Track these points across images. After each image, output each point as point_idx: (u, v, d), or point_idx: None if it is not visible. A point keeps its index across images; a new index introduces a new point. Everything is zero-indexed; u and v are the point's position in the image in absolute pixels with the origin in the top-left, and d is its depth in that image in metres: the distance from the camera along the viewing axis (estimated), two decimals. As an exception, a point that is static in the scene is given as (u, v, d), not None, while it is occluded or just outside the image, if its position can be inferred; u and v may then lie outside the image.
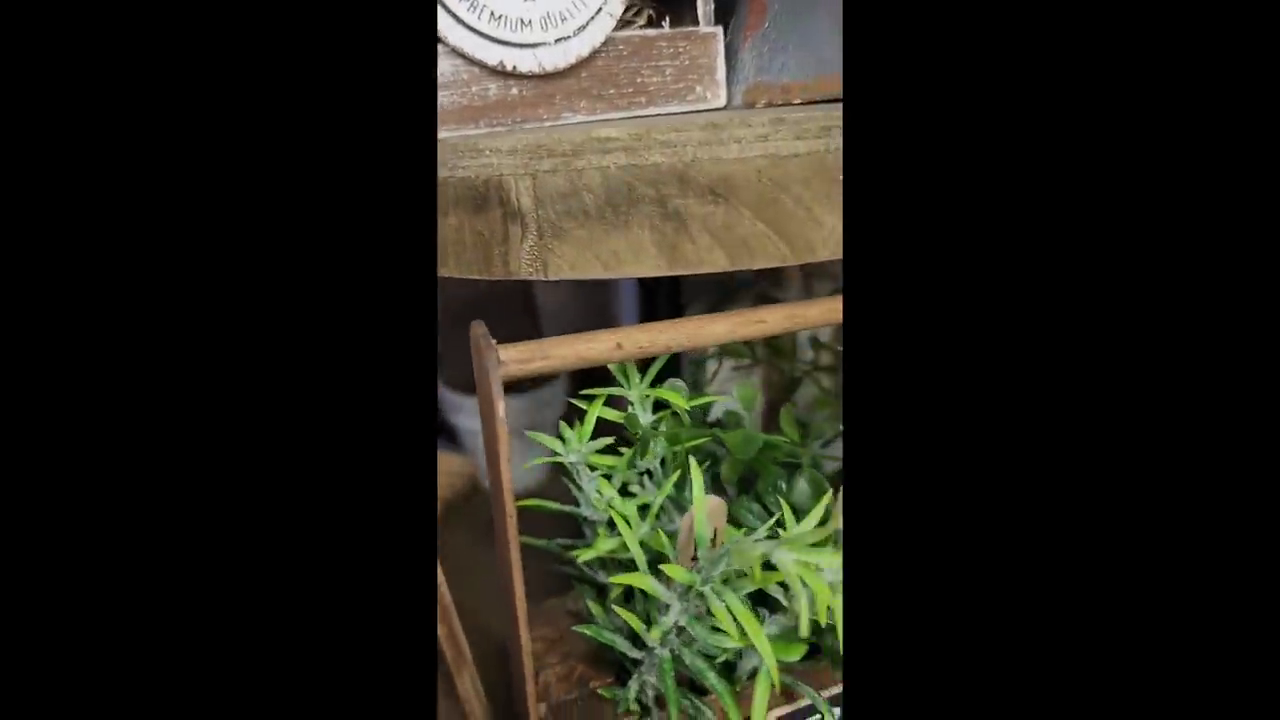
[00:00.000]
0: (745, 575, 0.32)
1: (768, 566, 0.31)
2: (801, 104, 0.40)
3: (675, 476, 0.37)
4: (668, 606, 0.33)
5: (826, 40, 0.40)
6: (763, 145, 0.31)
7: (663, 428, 0.38)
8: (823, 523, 0.33)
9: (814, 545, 0.31)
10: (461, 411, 0.71)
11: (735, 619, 0.30)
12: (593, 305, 0.73)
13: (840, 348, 0.54)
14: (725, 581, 0.32)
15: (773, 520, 0.34)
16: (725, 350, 0.54)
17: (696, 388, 0.53)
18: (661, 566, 0.32)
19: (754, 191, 0.31)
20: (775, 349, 0.53)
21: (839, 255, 0.33)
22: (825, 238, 0.33)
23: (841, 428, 0.45)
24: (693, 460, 0.33)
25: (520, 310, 0.71)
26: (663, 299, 0.59)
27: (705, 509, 0.32)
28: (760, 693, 0.32)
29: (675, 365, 0.57)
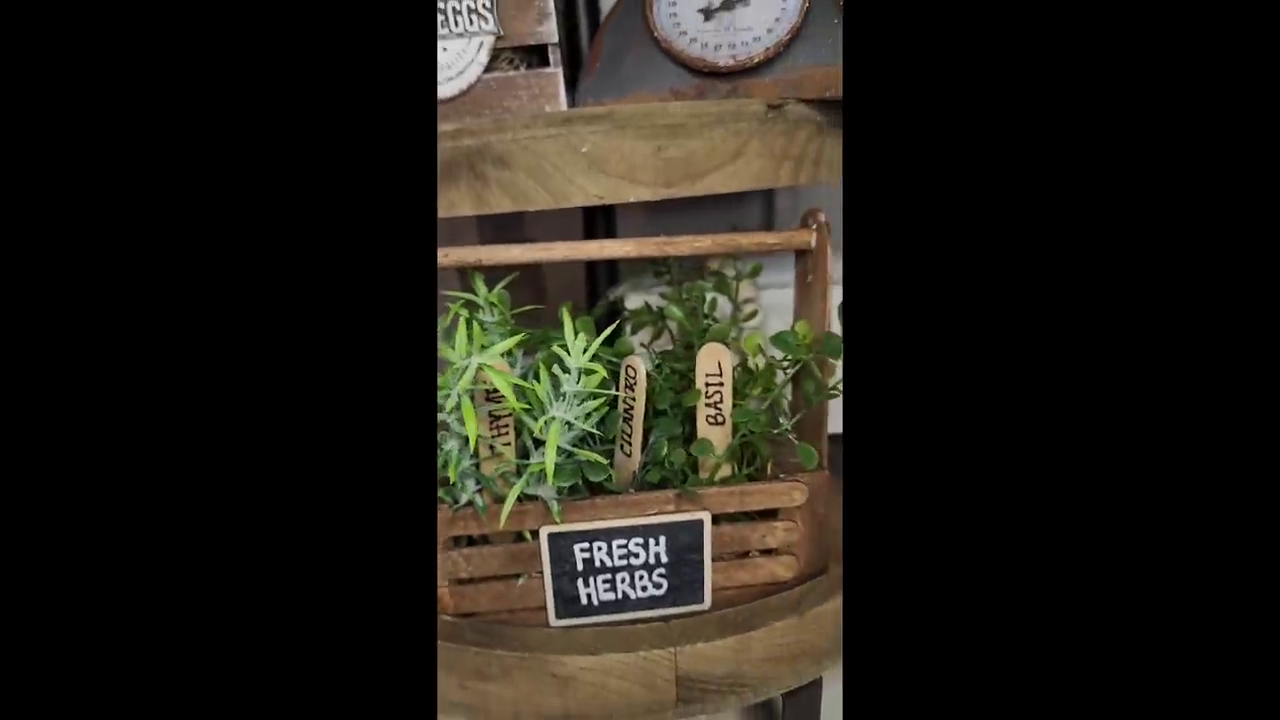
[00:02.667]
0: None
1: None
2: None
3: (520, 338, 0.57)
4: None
5: (629, 82, 0.60)
6: (528, 132, 0.51)
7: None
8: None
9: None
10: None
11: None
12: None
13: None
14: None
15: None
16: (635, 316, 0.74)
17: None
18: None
19: (526, 161, 0.52)
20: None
21: (593, 202, 0.53)
22: (578, 191, 0.53)
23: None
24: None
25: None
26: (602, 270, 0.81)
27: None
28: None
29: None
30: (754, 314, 0.71)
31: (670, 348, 0.69)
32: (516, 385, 0.50)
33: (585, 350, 0.49)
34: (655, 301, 0.72)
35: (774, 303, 0.73)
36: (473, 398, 0.50)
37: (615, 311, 0.75)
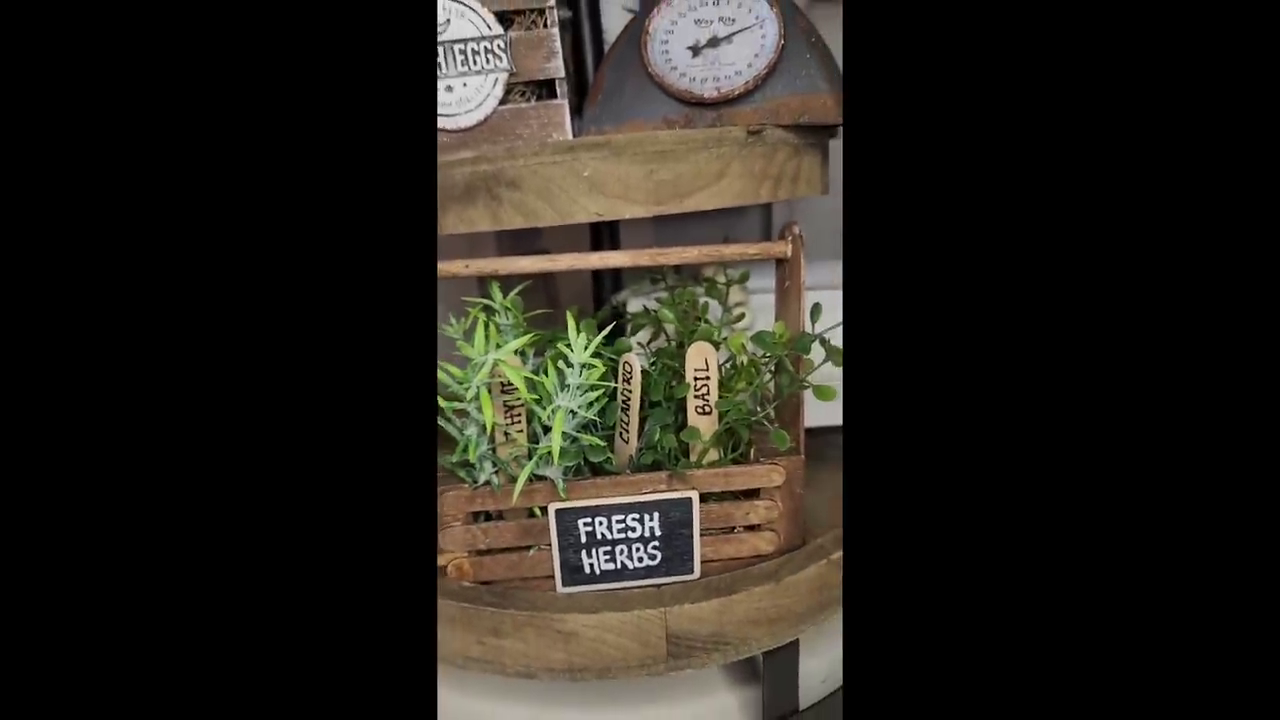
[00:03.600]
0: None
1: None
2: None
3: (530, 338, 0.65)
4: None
5: (626, 112, 0.68)
6: (536, 158, 0.59)
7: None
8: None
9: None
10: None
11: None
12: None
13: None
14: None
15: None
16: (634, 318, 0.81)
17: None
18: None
19: (535, 184, 0.60)
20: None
21: (594, 219, 0.61)
22: (580, 210, 0.60)
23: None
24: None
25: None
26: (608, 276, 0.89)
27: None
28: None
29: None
30: (743, 316, 0.78)
31: (665, 346, 0.77)
32: (527, 378, 0.58)
33: (586, 348, 0.57)
34: (654, 306, 0.80)
35: (763, 305, 0.81)
36: (490, 390, 0.58)
37: (618, 315, 0.83)
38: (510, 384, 0.60)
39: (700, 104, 0.64)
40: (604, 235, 0.87)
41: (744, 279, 0.79)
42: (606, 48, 0.77)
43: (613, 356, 0.65)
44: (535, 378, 0.59)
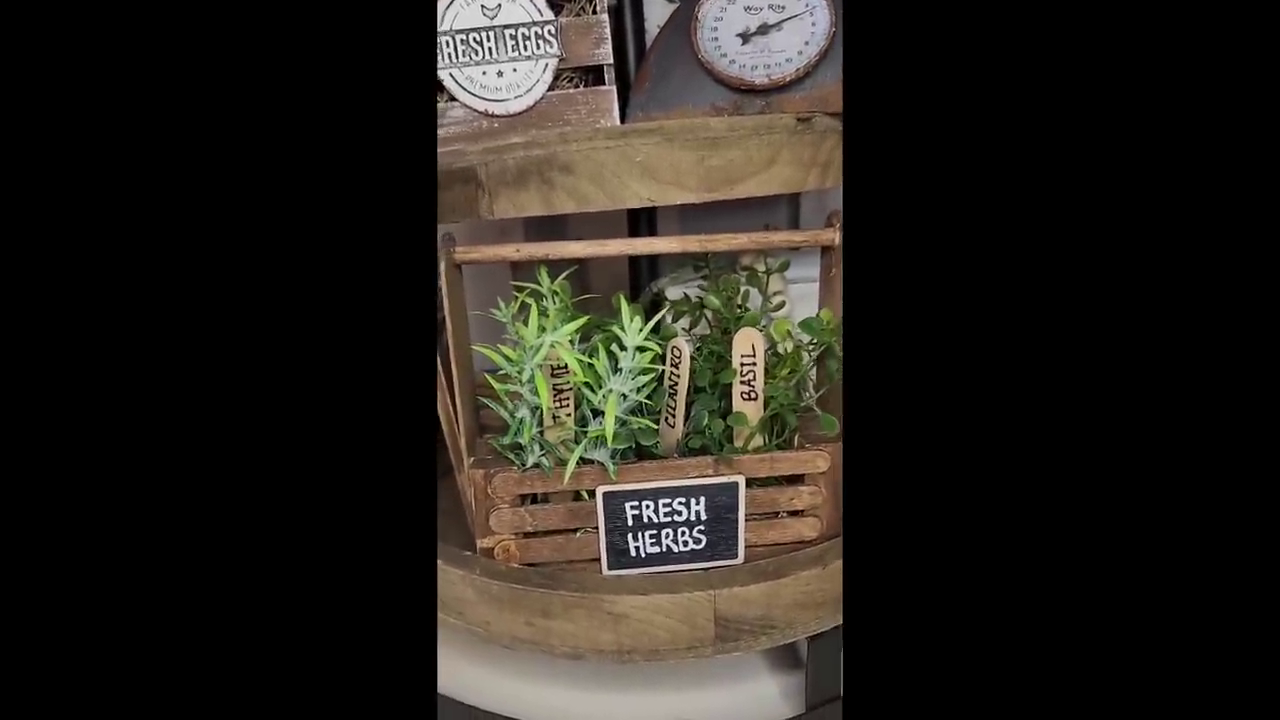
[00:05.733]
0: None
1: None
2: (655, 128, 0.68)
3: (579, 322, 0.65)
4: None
5: (674, 98, 0.68)
6: (589, 143, 0.60)
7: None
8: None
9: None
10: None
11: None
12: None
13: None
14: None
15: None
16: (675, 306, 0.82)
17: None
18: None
19: (588, 168, 0.60)
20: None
21: (645, 204, 0.61)
22: (632, 195, 0.61)
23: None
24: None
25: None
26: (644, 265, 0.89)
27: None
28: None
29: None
30: (782, 304, 0.78)
31: (706, 334, 0.77)
32: (580, 362, 0.58)
33: (640, 331, 0.57)
34: (692, 293, 0.80)
35: (799, 295, 0.81)
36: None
37: (656, 303, 0.83)
38: (560, 367, 0.60)
39: (750, 91, 0.65)
40: (641, 224, 0.87)
41: (784, 268, 0.79)
42: (649, 35, 0.77)
43: (660, 341, 0.66)
44: (590, 360, 0.60)
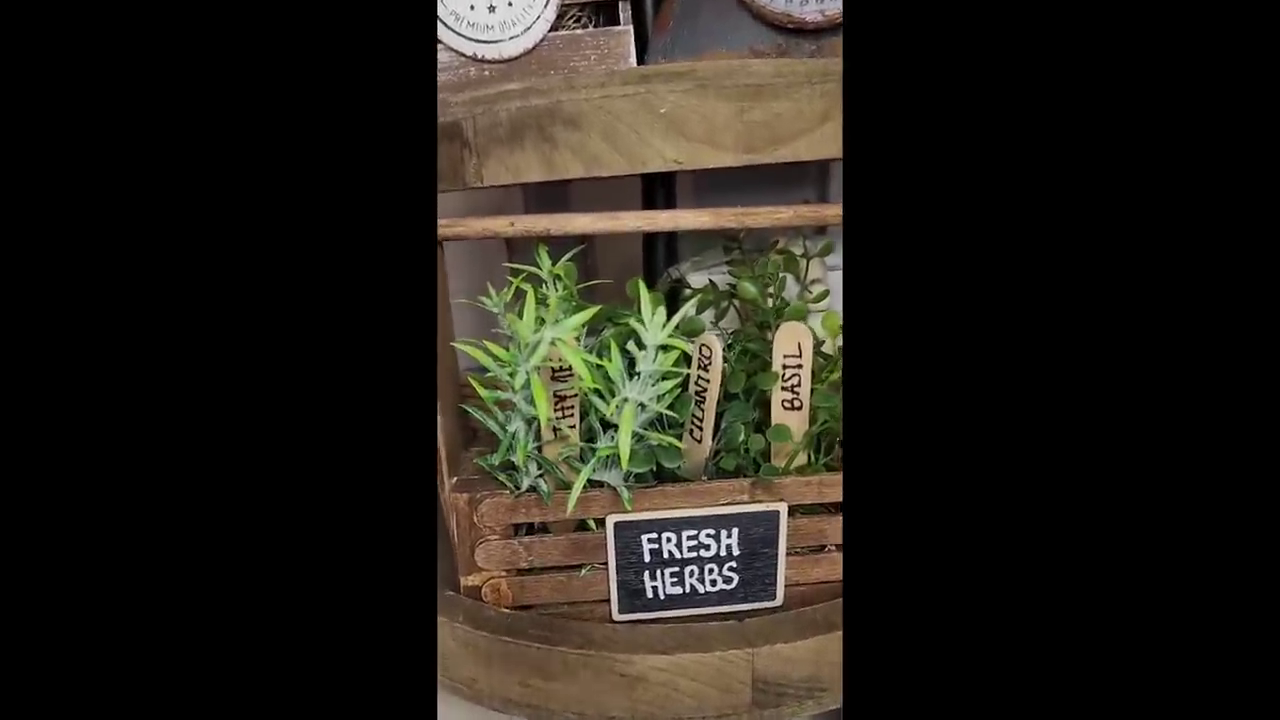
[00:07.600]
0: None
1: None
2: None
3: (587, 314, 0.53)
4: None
5: (703, 40, 0.56)
6: (602, 90, 0.48)
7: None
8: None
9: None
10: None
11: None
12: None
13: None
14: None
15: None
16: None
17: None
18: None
19: (600, 122, 0.48)
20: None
21: (671, 167, 0.49)
22: (654, 155, 0.49)
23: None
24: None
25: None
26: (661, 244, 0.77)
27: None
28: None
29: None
30: (825, 294, 0.66)
31: (735, 329, 0.65)
32: (588, 363, 0.46)
33: (665, 326, 0.46)
34: (719, 280, 0.68)
35: (839, 284, 0.69)
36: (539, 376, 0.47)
37: (675, 291, 0.71)
38: (562, 369, 0.48)
39: (799, 32, 0.53)
40: (657, 196, 0.75)
41: (827, 251, 0.67)
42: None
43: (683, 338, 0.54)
44: (599, 361, 0.48)
